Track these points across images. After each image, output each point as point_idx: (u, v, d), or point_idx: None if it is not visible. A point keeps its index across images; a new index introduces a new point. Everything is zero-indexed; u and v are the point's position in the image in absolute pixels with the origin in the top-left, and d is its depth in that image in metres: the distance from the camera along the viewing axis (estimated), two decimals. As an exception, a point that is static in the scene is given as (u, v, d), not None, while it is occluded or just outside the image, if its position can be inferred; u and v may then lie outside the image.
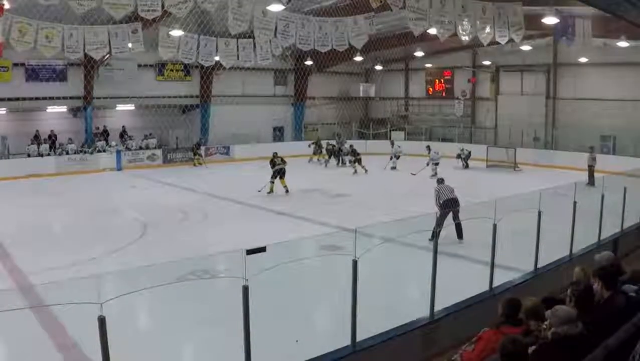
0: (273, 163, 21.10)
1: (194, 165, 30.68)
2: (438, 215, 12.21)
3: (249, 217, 17.54)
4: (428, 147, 27.27)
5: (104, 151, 29.19)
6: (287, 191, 20.88)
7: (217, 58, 21.14)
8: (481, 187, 22.46)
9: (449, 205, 13.28)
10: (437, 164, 26.12)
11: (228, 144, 33.35)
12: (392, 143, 30.11)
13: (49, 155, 27.54)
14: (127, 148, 30.03)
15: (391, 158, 28.91)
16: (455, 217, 12.98)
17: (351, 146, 29.36)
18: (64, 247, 13.70)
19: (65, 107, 29.06)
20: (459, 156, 29.58)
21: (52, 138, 28.44)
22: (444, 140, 35.45)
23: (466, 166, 29.35)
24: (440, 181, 14.67)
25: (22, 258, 12.70)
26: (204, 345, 8.31)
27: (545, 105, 32.55)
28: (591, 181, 20.52)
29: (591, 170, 22.30)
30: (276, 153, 21.68)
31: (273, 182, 20.87)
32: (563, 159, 28.13)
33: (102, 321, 4.51)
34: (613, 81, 28.64)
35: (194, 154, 31.17)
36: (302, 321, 8.98)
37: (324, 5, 22.75)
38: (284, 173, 21.00)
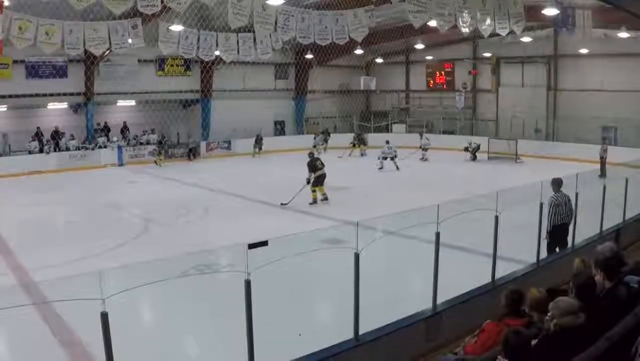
0: (314, 167, 18.36)
1: (157, 164, 28.99)
2: (547, 239, 10.12)
3: (250, 211, 17.54)
4: (387, 142, 27.54)
5: (105, 147, 29.20)
6: (325, 198, 18.42)
7: (217, 52, 21.08)
8: (483, 178, 22.45)
9: (558, 237, 10.23)
10: (386, 158, 26.26)
11: (229, 139, 33.34)
12: (421, 135, 30.75)
13: (52, 151, 27.65)
14: (129, 144, 30.05)
15: (421, 148, 29.74)
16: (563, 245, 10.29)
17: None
18: (66, 243, 13.72)
19: (66, 103, 29.12)
20: (466, 149, 29.68)
21: (56, 136, 28.48)
22: (445, 132, 35.46)
23: (474, 158, 29.40)
24: (558, 185, 10.47)
25: (24, 254, 12.72)
26: (207, 339, 8.32)
27: (546, 96, 32.47)
28: (602, 172, 20.64)
29: (602, 161, 22.34)
30: (313, 153, 19.36)
31: (315, 191, 18.34)
32: (564, 150, 28.09)
33: (104, 316, 4.51)
34: (614, 72, 28.55)
35: (159, 152, 29.66)
36: (304, 315, 9.00)
37: (323, -1, 22.68)
38: (324, 178, 18.45)
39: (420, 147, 29.73)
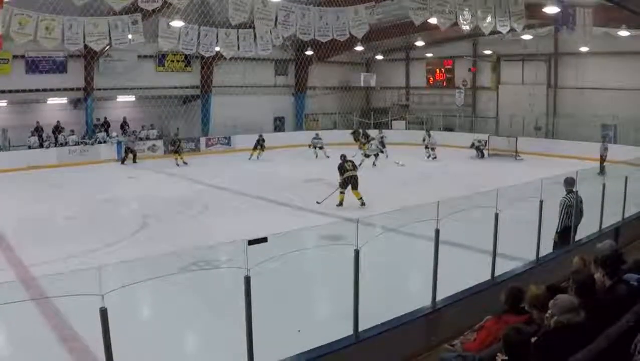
0: (343, 169, 17.63)
1: (177, 164, 27.52)
2: (556, 239, 10.08)
3: (250, 207, 17.54)
4: (370, 138, 27.90)
5: (105, 142, 29.16)
6: (362, 203, 17.30)
7: (217, 48, 21.07)
8: (483, 176, 22.45)
9: (568, 237, 10.03)
10: (368, 156, 25.88)
11: (229, 135, 33.34)
12: (429, 134, 29.62)
13: (52, 146, 27.59)
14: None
15: (427, 148, 28.84)
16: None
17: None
18: (65, 238, 13.71)
19: (65, 98, 29.04)
20: (475, 146, 29.63)
21: (56, 131, 28.42)
22: (445, 129, 35.42)
23: (482, 156, 29.35)
24: (570, 185, 10.27)
25: (23, 250, 12.72)
26: (206, 336, 8.33)
27: (546, 94, 32.45)
28: (602, 170, 20.63)
29: (602, 159, 22.33)
30: (345, 156, 18.30)
31: (343, 192, 17.53)
32: (564, 148, 28.10)
33: (104, 312, 4.50)
34: (614, 70, 28.53)
35: (176, 151, 28.23)
36: (304, 312, 9.00)
37: (324, -5, 22.68)
38: (356, 181, 17.51)
39: (428, 147, 28.90)
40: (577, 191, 10.20)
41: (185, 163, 27.56)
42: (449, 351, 5.75)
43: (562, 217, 10.06)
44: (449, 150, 30.03)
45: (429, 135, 29.49)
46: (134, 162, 28.05)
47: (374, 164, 25.68)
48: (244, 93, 34.18)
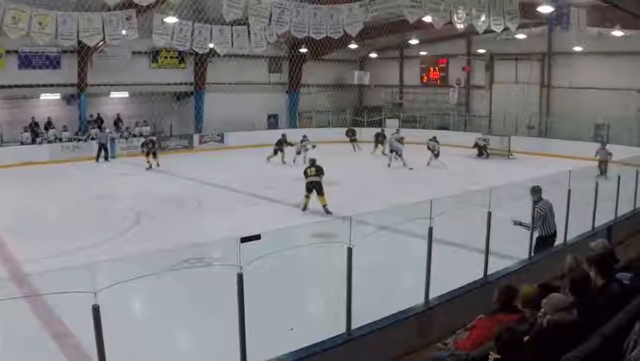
0: (305, 174, 16.95)
1: (149, 166, 25.63)
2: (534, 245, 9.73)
3: (243, 204, 17.51)
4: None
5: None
6: (327, 211, 16.33)
7: (211, 45, 21.01)
8: (477, 175, 22.48)
9: (545, 245, 9.92)
10: (399, 155, 25.26)
11: (222, 132, 33.29)
12: (437, 141, 26.95)
13: (43, 142, 27.47)
14: (122, 136, 29.92)
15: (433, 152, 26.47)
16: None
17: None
18: (58, 235, 13.66)
19: (58, 94, 28.99)
20: (479, 146, 29.38)
21: (48, 126, 28.33)
22: (438, 128, 35.41)
23: (487, 155, 29.05)
24: (539, 194, 9.95)
25: (16, 246, 12.67)
26: (199, 333, 8.31)
27: (539, 93, 32.53)
28: (602, 171, 20.77)
29: (601, 162, 22.41)
30: (314, 160, 17.38)
31: (308, 197, 16.70)
32: (557, 147, 28.16)
33: (96, 309, 4.49)
34: (608, 70, 28.60)
35: (148, 153, 25.88)
36: (297, 310, 9.00)
37: (318, -8, 22.62)
38: (320, 187, 16.61)
39: (434, 153, 26.54)
40: (569, 191, 10.18)
41: (151, 166, 25.73)
42: (442, 349, 5.76)
43: (540, 227, 9.76)
44: (443, 149, 30.00)
45: (438, 143, 27.07)
46: (106, 159, 27.76)
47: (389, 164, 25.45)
48: (238, 91, 34.10)
